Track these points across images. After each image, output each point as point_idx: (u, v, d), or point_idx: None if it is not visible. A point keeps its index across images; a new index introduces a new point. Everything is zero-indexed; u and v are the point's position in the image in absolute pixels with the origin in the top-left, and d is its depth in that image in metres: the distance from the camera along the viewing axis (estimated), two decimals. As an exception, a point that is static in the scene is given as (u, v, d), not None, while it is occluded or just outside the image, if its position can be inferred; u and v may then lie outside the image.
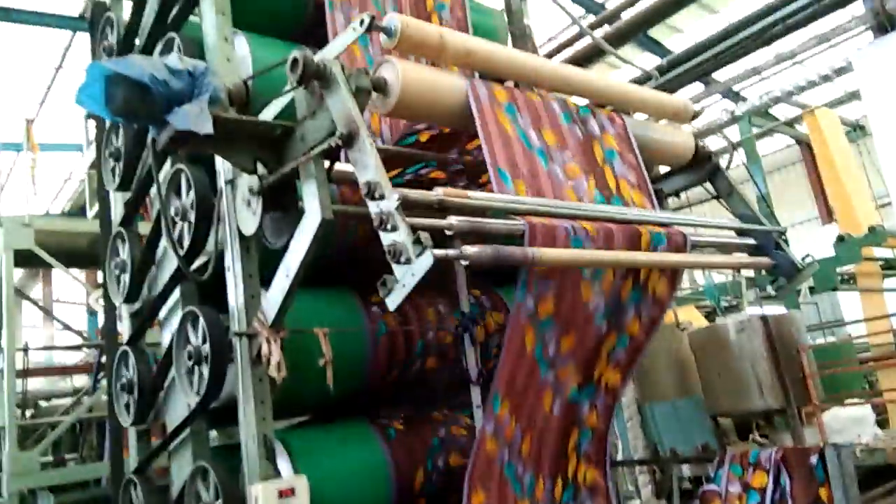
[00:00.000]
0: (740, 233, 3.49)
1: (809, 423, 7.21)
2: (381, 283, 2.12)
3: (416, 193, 2.20)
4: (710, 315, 11.45)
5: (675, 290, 3.15)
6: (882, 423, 8.24)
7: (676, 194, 4.09)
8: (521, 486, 2.85)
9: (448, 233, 2.17)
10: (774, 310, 10.93)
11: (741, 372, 7.16)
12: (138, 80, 2.04)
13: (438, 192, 2.24)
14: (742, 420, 7.85)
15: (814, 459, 3.67)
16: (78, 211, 13.98)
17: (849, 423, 7.48)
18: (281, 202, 2.68)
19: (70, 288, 16.88)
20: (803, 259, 3.55)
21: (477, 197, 2.35)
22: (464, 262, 2.12)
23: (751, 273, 13.60)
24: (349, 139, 2.22)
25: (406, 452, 3.28)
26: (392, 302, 2.08)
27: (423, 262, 1.98)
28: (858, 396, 8.49)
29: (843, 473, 3.59)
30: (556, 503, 3.01)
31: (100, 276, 12.20)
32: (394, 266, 2.06)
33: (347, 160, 2.97)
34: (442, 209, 2.24)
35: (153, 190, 3.52)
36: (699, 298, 12.45)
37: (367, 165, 2.21)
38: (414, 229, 2.04)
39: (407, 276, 2.03)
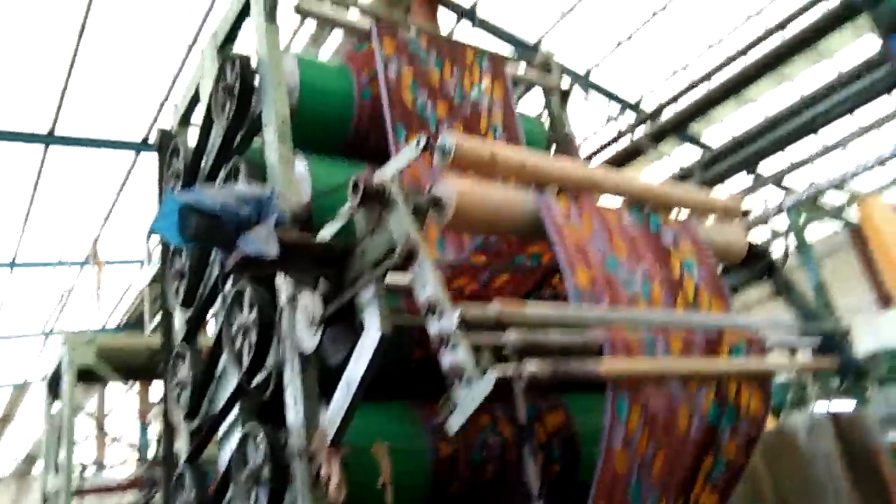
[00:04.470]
0: (803, 331, 3.39)
1: (896, 532, 6.66)
2: (441, 402, 2.10)
3: (473, 309, 2.18)
4: (775, 410, 10.94)
5: (769, 406, 2.91)
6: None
7: (734, 291, 4.02)
8: None
9: (504, 352, 2.14)
10: (843, 404, 10.37)
11: (815, 478, 6.68)
12: (210, 209, 2.14)
13: (495, 307, 2.21)
14: (820, 529, 7.30)
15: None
16: (135, 322, 14.40)
17: (941, 531, 6.87)
18: (340, 317, 2.71)
19: (123, 399, 17.15)
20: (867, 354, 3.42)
21: (534, 310, 2.31)
22: (522, 382, 2.06)
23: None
24: (409, 257, 2.27)
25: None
26: (454, 424, 2.07)
27: (484, 386, 1.97)
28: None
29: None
30: None
31: (154, 388, 12.39)
32: (455, 388, 2.05)
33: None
34: (500, 324, 2.20)
35: (215, 305, 3.62)
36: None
37: (426, 283, 2.24)
38: (475, 348, 2.02)
39: (467, 399, 2.02)
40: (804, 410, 9.84)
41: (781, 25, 9.12)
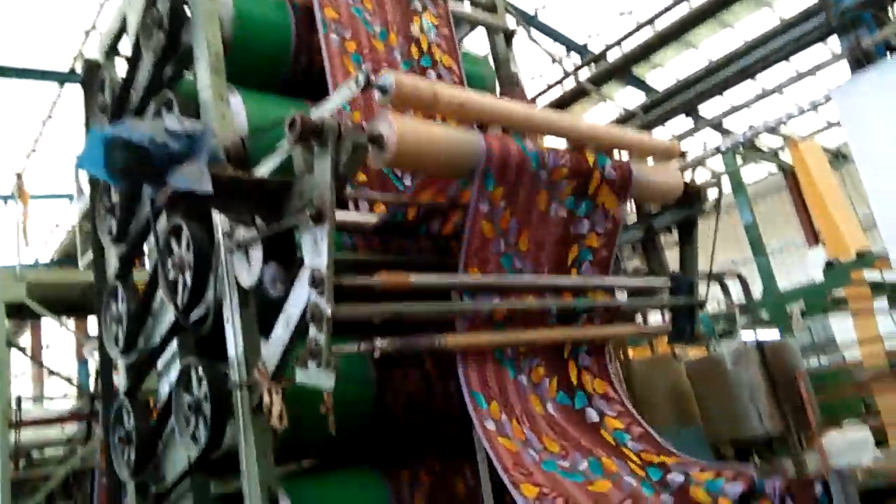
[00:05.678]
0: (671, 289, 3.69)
1: (810, 447, 7.21)
2: (296, 357, 2.40)
3: (359, 280, 2.45)
4: (705, 338, 11.50)
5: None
6: (881, 444, 8.24)
7: (668, 230, 4.15)
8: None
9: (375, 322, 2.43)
10: (768, 334, 10.97)
11: (740, 400, 7.16)
12: (139, 143, 2.08)
13: (379, 279, 2.47)
14: (742, 447, 7.83)
15: (818, 488, 3.64)
16: (67, 258, 13.95)
17: (849, 447, 7.47)
18: (280, 252, 2.70)
19: (60, 335, 16.76)
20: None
21: (417, 279, 2.58)
22: (375, 354, 2.41)
23: (742, 300, 13.71)
24: (318, 217, 2.32)
25: (407, 488, 3.23)
26: (298, 381, 2.40)
27: (325, 382, 2.29)
28: (856, 419, 8.51)
29: (848, 500, 3.58)
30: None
31: (90, 323, 12.11)
32: (308, 361, 2.33)
33: (356, 207, 3.05)
34: (383, 292, 2.49)
35: (149, 240, 3.55)
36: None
37: (321, 252, 2.32)
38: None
39: (311, 378, 2.33)
40: (731, 339, 10.41)
41: (724, -27, 9.16)
